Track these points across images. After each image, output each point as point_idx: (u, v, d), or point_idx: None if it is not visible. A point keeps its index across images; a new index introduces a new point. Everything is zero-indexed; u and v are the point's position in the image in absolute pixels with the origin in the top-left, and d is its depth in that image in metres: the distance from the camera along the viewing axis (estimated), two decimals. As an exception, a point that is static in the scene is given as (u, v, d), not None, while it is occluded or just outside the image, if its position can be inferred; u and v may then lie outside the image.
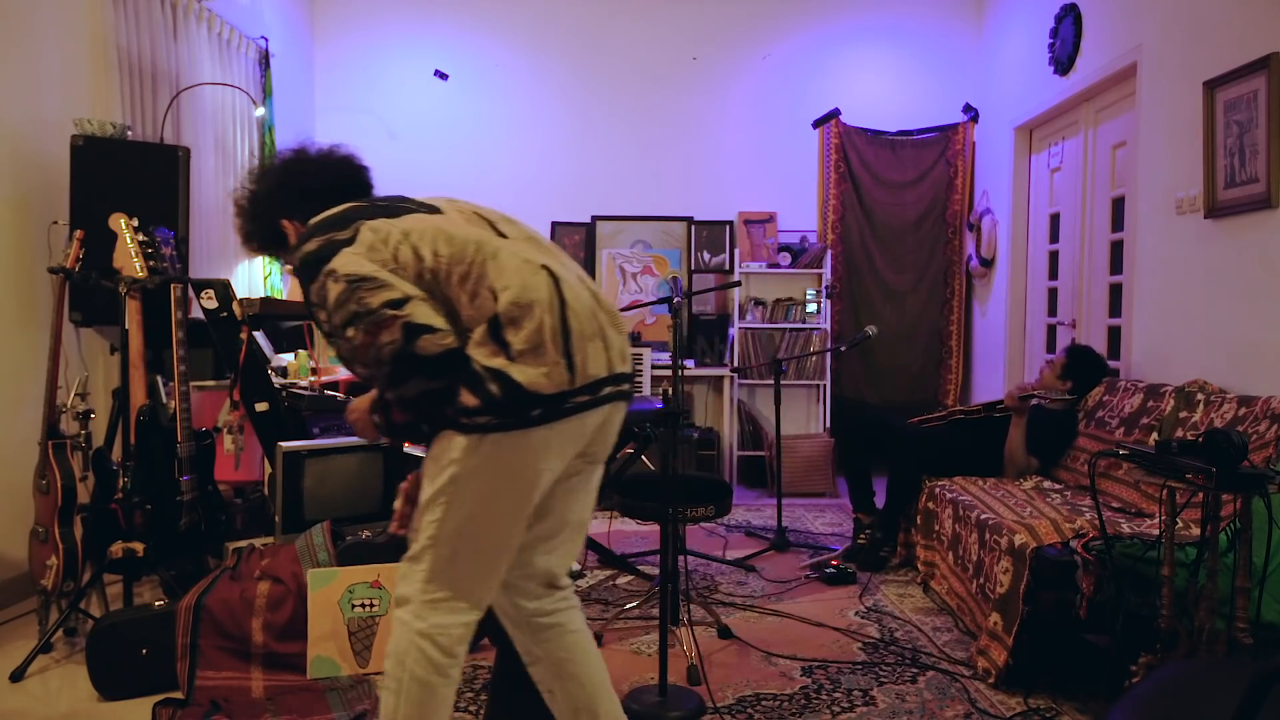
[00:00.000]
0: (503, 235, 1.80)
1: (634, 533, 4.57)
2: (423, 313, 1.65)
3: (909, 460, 3.93)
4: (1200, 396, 3.15)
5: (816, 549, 4.28)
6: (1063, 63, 4.71)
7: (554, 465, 1.74)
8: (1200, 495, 2.24)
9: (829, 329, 5.88)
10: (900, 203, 6.09)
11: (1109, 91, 4.42)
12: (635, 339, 5.59)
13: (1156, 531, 2.43)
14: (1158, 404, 3.35)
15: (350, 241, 1.71)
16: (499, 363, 1.64)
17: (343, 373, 5.05)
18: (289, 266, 2.17)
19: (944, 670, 2.83)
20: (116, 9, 3.87)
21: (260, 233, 1.99)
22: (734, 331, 5.86)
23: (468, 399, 1.65)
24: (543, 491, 1.76)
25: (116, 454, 3.11)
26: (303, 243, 1.77)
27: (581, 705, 1.94)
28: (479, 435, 1.66)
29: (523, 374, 1.63)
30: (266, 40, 5.17)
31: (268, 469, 3.52)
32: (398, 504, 1.92)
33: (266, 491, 3.61)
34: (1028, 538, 2.69)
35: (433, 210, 1.81)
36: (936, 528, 3.58)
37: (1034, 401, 3.81)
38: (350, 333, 1.66)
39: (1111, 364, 4.30)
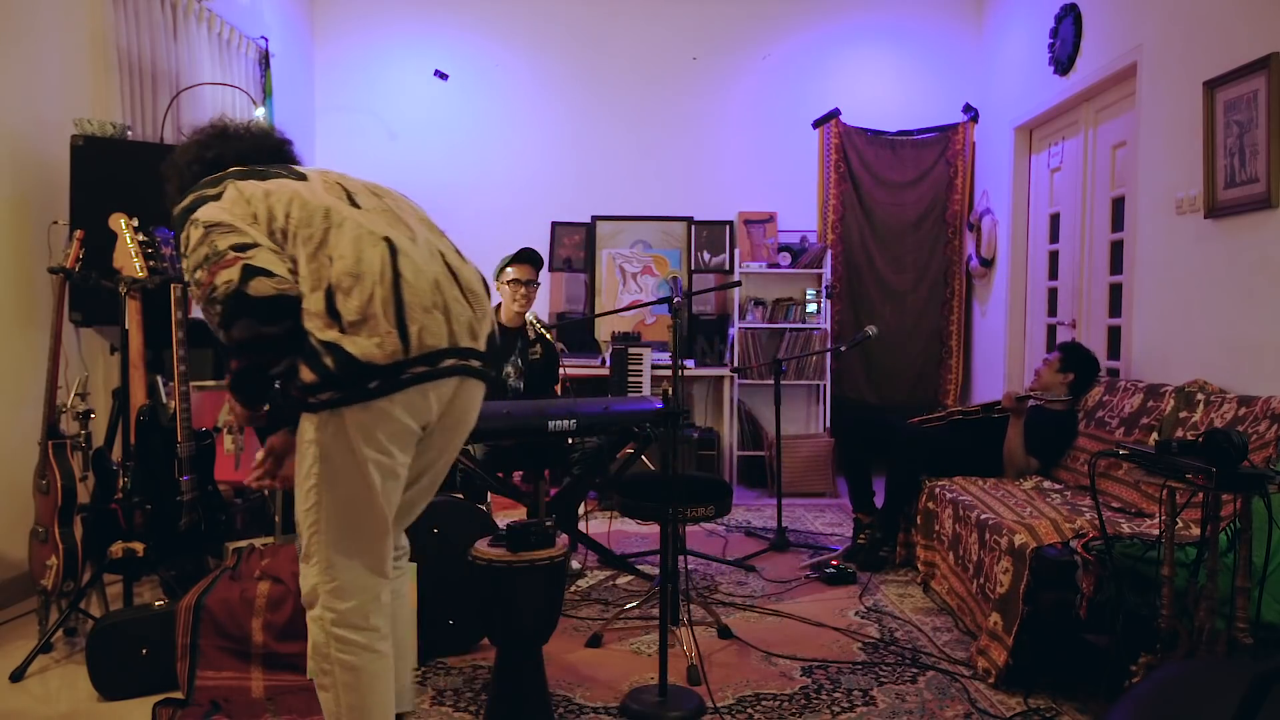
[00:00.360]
0: (356, 206, 1.86)
1: (634, 533, 4.57)
2: (264, 258, 1.72)
3: (908, 460, 3.93)
4: (1200, 396, 3.15)
5: (816, 549, 4.28)
6: (1063, 63, 4.71)
7: (406, 432, 1.77)
8: (1200, 495, 2.24)
9: (829, 329, 5.88)
10: (900, 203, 6.09)
11: (1109, 91, 4.42)
12: (635, 339, 5.60)
13: (1156, 531, 2.43)
14: (1158, 404, 3.35)
15: (217, 197, 1.81)
16: (332, 335, 1.69)
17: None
18: None
19: (944, 670, 2.83)
20: (116, 9, 3.87)
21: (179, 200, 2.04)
22: (734, 331, 5.86)
23: (306, 375, 1.69)
24: (403, 462, 1.80)
25: (116, 454, 3.11)
26: (180, 199, 1.89)
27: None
28: (327, 412, 1.71)
29: (355, 345, 1.68)
30: (266, 40, 5.17)
31: (268, 469, 3.51)
32: (260, 455, 1.98)
33: (266, 491, 3.61)
34: (1028, 538, 2.69)
35: (300, 178, 1.89)
36: (936, 528, 3.58)
37: (1031, 403, 3.81)
38: (199, 274, 1.72)
39: (1111, 364, 4.31)
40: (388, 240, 1.79)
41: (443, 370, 1.78)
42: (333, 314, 1.70)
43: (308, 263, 1.74)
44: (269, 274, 1.70)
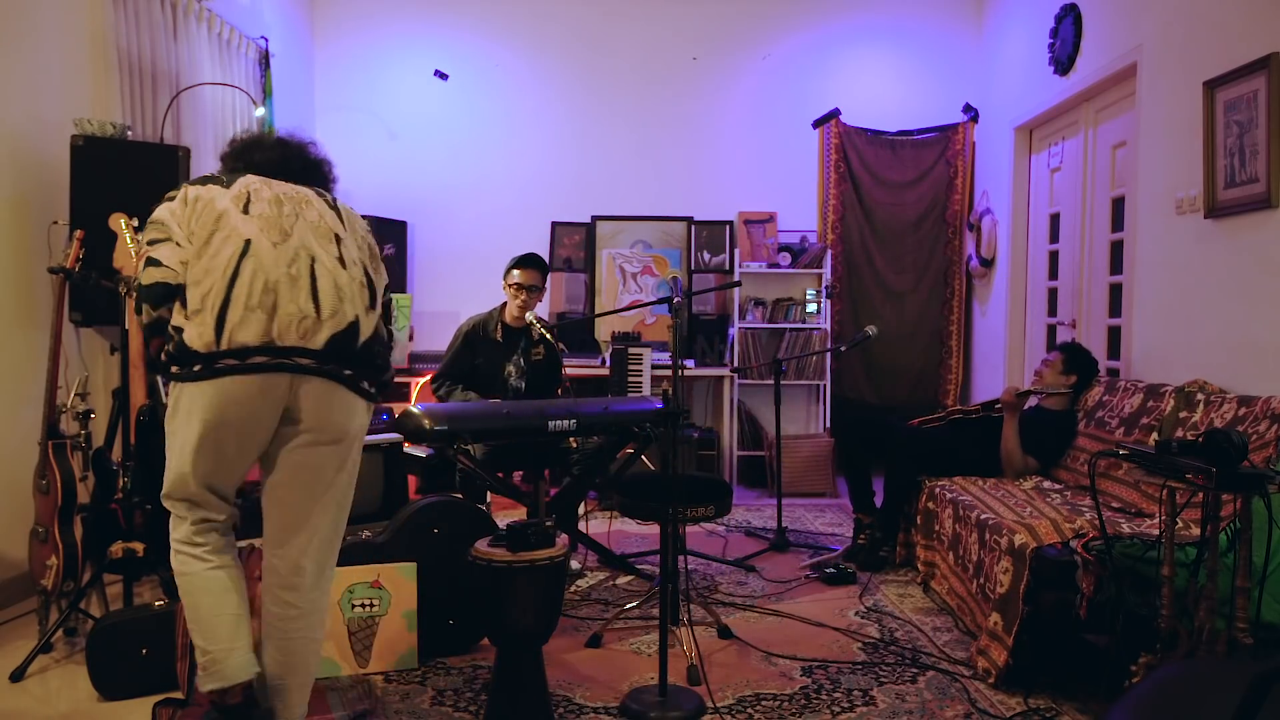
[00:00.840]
0: (246, 212, 2.06)
1: (634, 533, 4.57)
2: (162, 251, 2.01)
3: (905, 460, 3.93)
4: (1200, 396, 3.15)
5: (816, 549, 4.28)
6: (1063, 63, 4.71)
7: (213, 416, 1.98)
8: (1200, 495, 2.24)
9: (829, 329, 5.88)
10: (900, 203, 6.09)
11: (1109, 91, 4.42)
12: (635, 339, 5.60)
13: (1156, 531, 2.43)
14: (1158, 404, 3.35)
15: (173, 199, 2.09)
16: (179, 320, 1.97)
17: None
18: None
19: (944, 670, 2.83)
20: (116, 9, 3.87)
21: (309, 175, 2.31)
22: (734, 331, 5.86)
23: (165, 351, 2.00)
24: (223, 438, 2.01)
25: (116, 454, 3.11)
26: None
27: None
28: (174, 383, 2.01)
29: (187, 332, 1.96)
30: (266, 40, 5.17)
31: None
32: None
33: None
34: (1028, 538, 2.69)
35: (228, 184, 2.11)
36: (936, 528, 3.58)
37: (1033, 401, 3.81)
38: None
39: (1111, 364, 4.31)
40: (247, 242, 2.01)
41: (251, 366, 1.96)
42: (183, 301, 1.98)
43: (195, 259, 2.00)
44: (156, 263, 2.00)
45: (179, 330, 1.96)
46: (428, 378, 5.47)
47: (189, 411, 1.99)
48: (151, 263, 2.00)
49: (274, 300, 1.98)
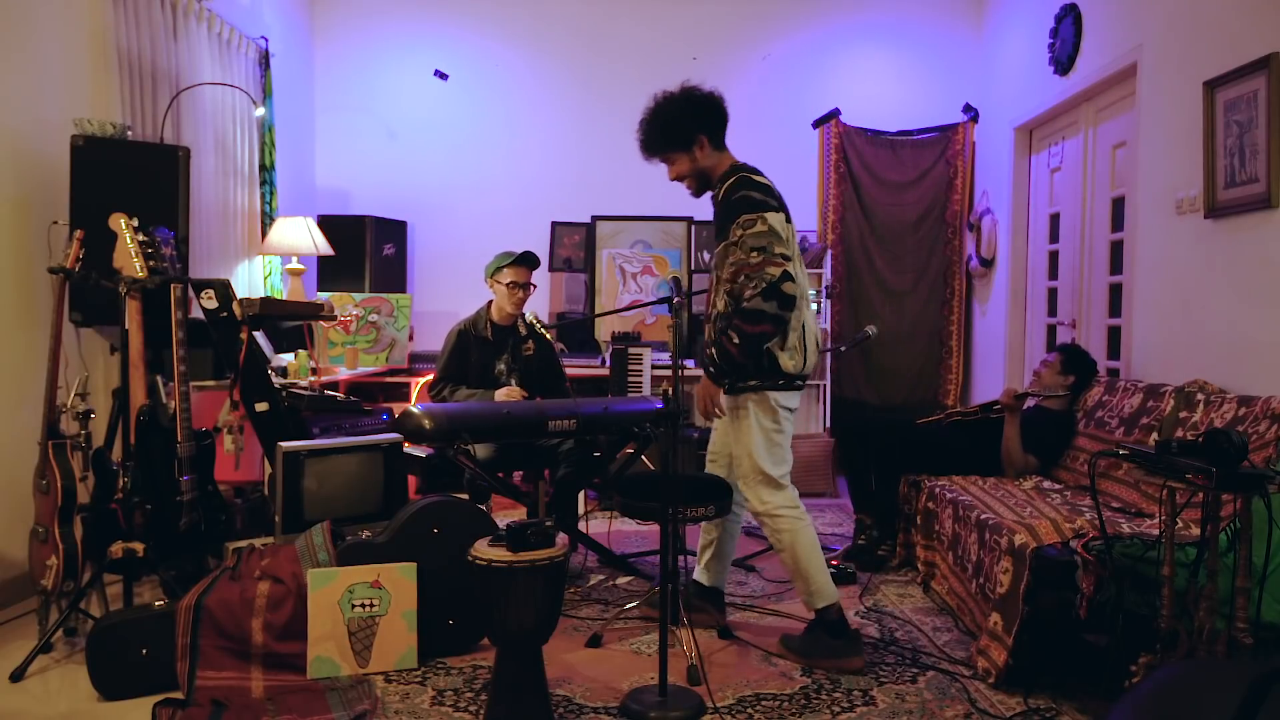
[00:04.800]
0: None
1: (634, 533, 4.57)
2: (792, 269, 2.75)
3: (902, 461, 3.94)
4: (1200, 396, 3.15)
5: (816, 549, 4.27)
6: (1063, 63, 4.71)
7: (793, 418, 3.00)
8: (1200, 495, 2.24)
9: (829, 329, 5.88)
10: (900, 203, 6.09)
11: (1109, 91, 4.42)
12: (635, 339, 5.59)
13: (1156, 531, 2.43)
14: (1158, 404, 3.35)
15: (775, 210, 2.82)
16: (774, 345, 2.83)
17: (343, 372, 5.06)
18: (680, 168, 3.06)
19: (944, 670, 2.83)
20: (116, 9, 3.87)
21: (671, 135, 2.99)
22: (734, 331, 5.85)
23: (785, 363, 2.86)
24: (792, 430, 3.04)
25: (116, 454, 3.11)
26: (743, 185, 2.88)
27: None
28: (762, 391, 2.87)
29: (782, 359, 2.85)
30: (266, 40, 5.17)
31: (268, 469, 3.52)
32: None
33: (266, 491, 3.61)
34: (1028, 538, 2.69)
35: (778, 206, 2.90)
36: (936, 528, 3.58)
37: (1031, 402, 3.81)
38: (753, 256, 2.72)
39: (1111, 364, 4.30)
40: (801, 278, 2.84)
41: (801, 386, 2.95)
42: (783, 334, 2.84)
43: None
44: (794, 280, 2.73)
45: (772, 354, 2.82)
46: (428, 378, 5.48)
47: (786, 416, 2.90)
48: (789, 277, 2.71)
49: (815, 348, 2.94)
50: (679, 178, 3.04)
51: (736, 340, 2.74)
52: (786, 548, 2.90)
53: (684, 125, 2.96)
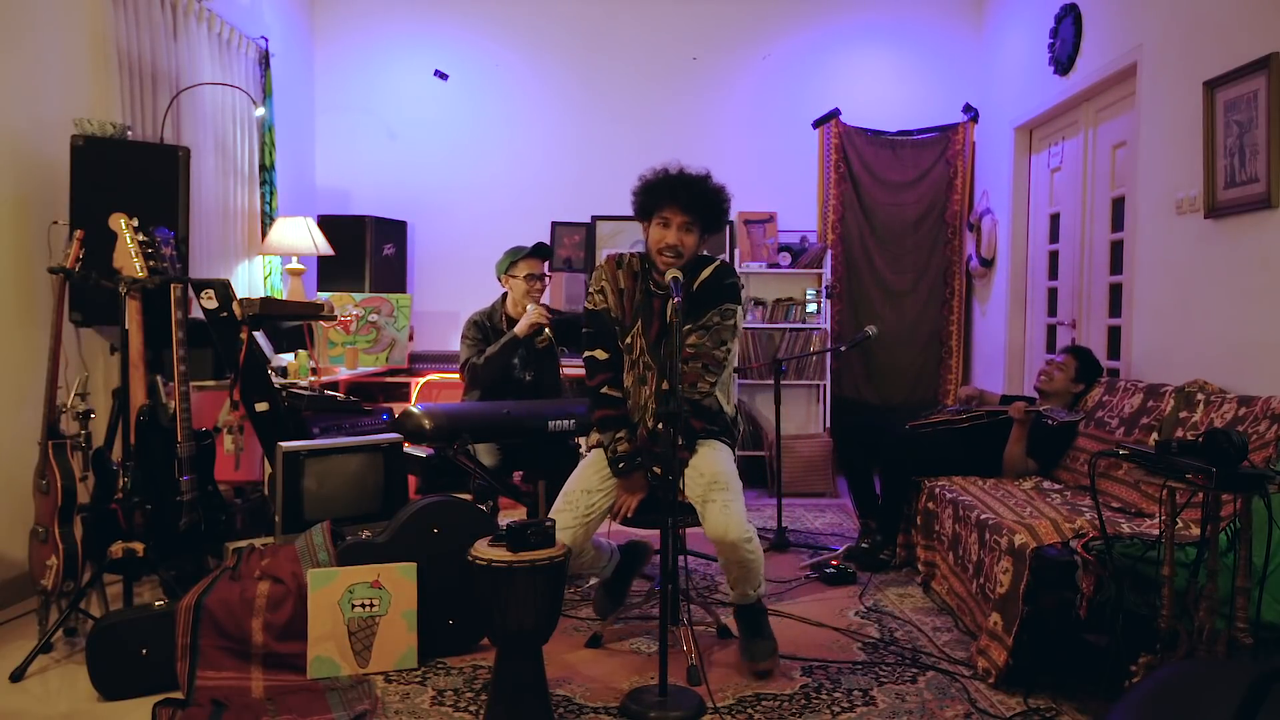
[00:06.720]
0: None
1: (634, 533, 4.56)
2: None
3: (902, 462, 3.93)
4: (1200, 396, 3.15)
5: (816, 549, 4.28)
6: (1063, 63, 4.71)
7: None
8: (1200, 495, 2.24)
9: (829, 329, 5.88)
10: (900, 203, 6.09)
11: (1109, 91, 4.42)
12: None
13: (1156, 531, 2.43)
14: (1158, 404, 3.35)
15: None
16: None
17: (343, 372, 5.05)
18: (693, 243, 3.11)
19: (944, 670, 2.83)
20: (116, 9, 3.87)
21: (715, 222, 3.09)
22: (734, 331, 5.85)
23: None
24: None
25: (116, 454, 3.11)
26: (733, 274, 3.08)
27: None
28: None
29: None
30: (266, 40, 5.17)
31: (268, 469, 3.52)
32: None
33: (266, 491, 3.61)
34: (1028, 538, 2.69)
35: None
36: (937, 528, 3.58)
37: (1047, 421, 3.69)
38: (719, 351, 3.03)
39: (1111, 364, 4.30)
40: None
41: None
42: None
43: None
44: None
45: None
46: (428, 378, 5.49)
47: None
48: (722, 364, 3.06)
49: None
50: (681, 248, 3.08)
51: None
52: (756, 560, 2.88)
53: (725, 217, 3.15)
